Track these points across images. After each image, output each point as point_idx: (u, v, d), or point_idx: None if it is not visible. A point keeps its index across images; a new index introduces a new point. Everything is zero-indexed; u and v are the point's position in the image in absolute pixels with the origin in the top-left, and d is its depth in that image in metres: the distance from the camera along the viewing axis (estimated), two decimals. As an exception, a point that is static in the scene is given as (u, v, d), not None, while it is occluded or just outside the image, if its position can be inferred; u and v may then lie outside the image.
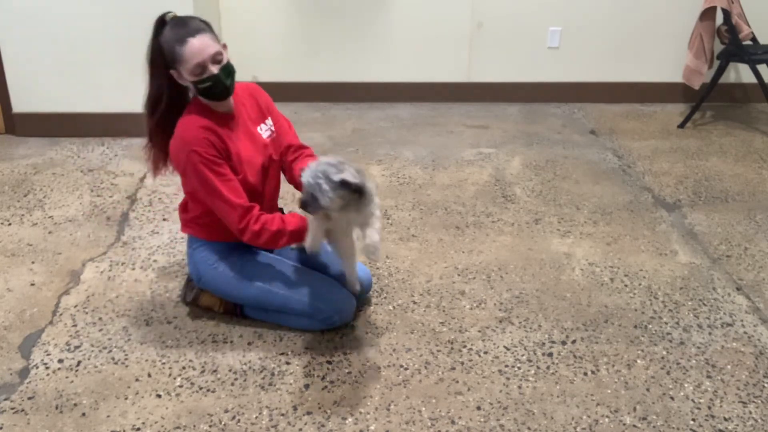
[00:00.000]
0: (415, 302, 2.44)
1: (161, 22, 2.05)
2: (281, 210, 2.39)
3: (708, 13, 4.16)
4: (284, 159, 2.32)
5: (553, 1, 4.53)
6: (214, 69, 2.03)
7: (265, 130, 2.26)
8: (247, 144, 2.18)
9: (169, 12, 2.07)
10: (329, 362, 2.13)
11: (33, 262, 2.69)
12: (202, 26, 2.04)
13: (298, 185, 2.26)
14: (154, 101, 2.12)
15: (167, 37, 2.02)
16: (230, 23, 4.50)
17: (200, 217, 2.23)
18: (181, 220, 2.32)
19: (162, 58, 2.04)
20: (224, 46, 2.09)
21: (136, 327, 2.29)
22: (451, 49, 4.63)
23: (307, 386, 2.03)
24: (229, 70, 2.07)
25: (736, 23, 4.05)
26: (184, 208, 2.30)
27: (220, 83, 2.05)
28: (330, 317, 2.21)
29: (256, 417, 1.91)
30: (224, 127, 2.12)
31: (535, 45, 4.64)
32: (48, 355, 2.16)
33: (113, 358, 2.14)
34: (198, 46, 2.00)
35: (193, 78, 2.03)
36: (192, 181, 2.11)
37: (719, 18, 4.14)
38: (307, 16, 4.55)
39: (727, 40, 4.16)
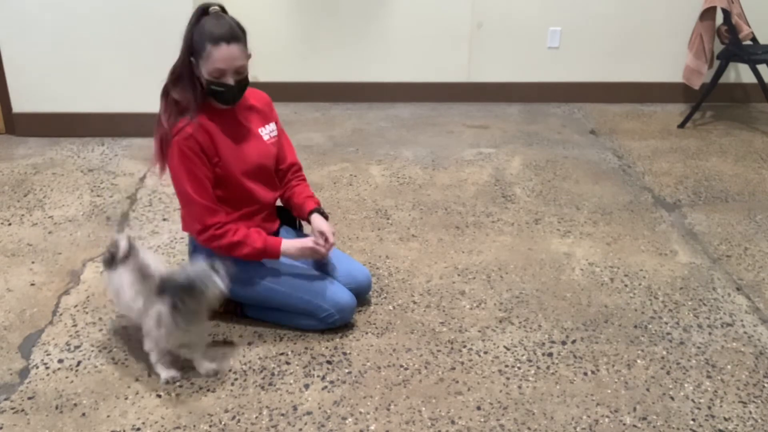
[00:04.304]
0: (415, 302, 2.44)
1: (203, 12, 2.04)
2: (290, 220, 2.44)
3: (708, 13, 4.17)
4: (285, 177, 2.38)
5: (553, 1, 4.53)
6: (231, 80, 2.05)
7: (265, 134, 2.28)
8: (238, 139, 2.18)
9: (213, 4, 2.06)
10: (329, 362, 2.13)
11: (33, 262, 2.69)
12: (239, 34, 2.04)
13: (292, 208, 2.38)
14: (174, 79, 2.10)
15: (204, 30, 2.01)
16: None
17: None
18: (182, 220, 2.32)
19: (189, 45, 2.04)
20: (249, 56, 2.11)
21: (136, 327, 2.29)
22: (451, 49, 4.63)
23: (307, 386, 2.03)
24: (244, 85, 2.10)
25: (736, 23, 4.05)
26: None
27: (230, 94, 2.08)
28: (331, 316, 2.21)
29: (256, 417, 1.91)
30: (218, 119, 2.13)
31: (535, 45, 4.64)
32: (48, 355, 2.16)
33: (113, 358, 2.14)
34: (228, 54, 2.01)
35: (208, 77, 2.04)
36: (170, 172, 2.12)
37: (719, 18, 4.14)
38: (307, 16, 4.55)
39: (727, 40, 4.16)
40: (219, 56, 2.00)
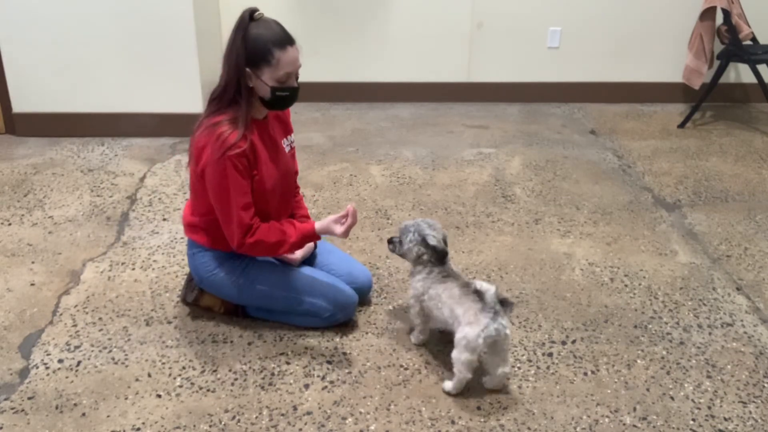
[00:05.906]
0: (415, 302, 2.44)
1: (249, 18, 1.98)
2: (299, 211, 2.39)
3: (708, 13, 4.16)
4: None
5: (553, 1, 4.53)
6: (295, 82, 2.04)
7: (286, 145, 2.25)
8: (271, 152, 2.15)
9: (257, 10, 2.01)
10: (329, 362, 2.13)
11: (33, 262, 2.69)
12: (293, 37, 2.01)
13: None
14: (220, 93, 2.04)
15: (263, 37, 1.95)
16: (230, 23, 4.48)
17: (204, 224, 2.19)
18: (184, 224, 2.30)
19: (244, 55, 1.97)
20: None
21: (136, 327, 2.29)
22: (451, 49, 4.63)
23: (307, 386, 2.03)
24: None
25: (736, 23, 4.05)
26: (189, 211, 2.27)
27: (293, 97, 2.06)
28: (333, 315, 2.22)
29: (256, 417, 1.91)
30: (258, 131, 2.10)
31: (535, 45, 4.63)
32: (48, 355, 2.16)
33: (113, 358, 2.14)
34: (294, 56, 1.99)
35: (274, 84, 1.99)
36: (210, 182, 2.04)
37: (719, 18, 4.14)
38: (307, 16, 4.55)
39: (727, 40, 4.16)
40: (287, 59, 1.97)
